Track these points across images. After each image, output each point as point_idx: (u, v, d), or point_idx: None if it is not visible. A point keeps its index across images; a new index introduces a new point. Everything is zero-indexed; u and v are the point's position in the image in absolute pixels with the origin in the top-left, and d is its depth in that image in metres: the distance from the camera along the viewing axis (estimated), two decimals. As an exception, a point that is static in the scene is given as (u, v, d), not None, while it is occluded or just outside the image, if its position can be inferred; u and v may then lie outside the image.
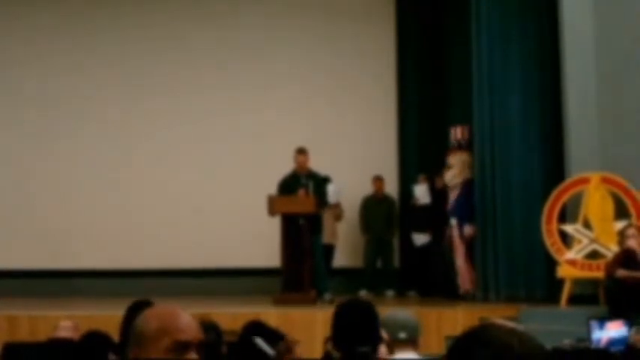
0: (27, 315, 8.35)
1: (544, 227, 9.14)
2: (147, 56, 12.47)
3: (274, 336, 4.53)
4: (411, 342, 4.44)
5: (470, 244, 10.20)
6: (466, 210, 10.22)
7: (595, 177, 9.06)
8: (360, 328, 3.95)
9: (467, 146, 10.36)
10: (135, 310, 5.19)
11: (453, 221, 10.40)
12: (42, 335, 6.26)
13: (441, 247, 10.99)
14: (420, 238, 11.66)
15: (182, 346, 2.34)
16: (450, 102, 11.97)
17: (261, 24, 12.57)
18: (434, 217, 11.34)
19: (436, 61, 12.38)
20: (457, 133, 10.52)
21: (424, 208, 11.61)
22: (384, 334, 4.31)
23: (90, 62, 12.34)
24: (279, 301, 9.36)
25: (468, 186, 10.24)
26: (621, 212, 8.93)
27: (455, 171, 10.49)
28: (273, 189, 9.94)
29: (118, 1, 12.57)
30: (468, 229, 10.19)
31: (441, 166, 11.02)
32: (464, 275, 10.31)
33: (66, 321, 5.92)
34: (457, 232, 10.33)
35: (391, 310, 4.69)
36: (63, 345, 5.17)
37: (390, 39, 12.84)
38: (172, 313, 2.49)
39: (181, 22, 12.53)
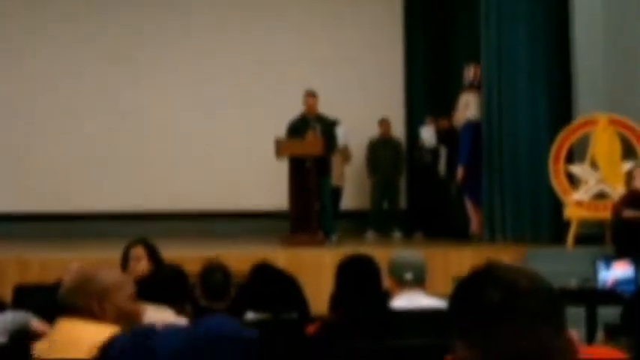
0: (37, 257, 8.41)
1: (551, 168, 9.14)
2: (153, 5, 12.40)
3: (283, 276, 4.56)
4: (418, 282, 4.47)
5: (470, 186, 10.16)
6: (463, 151, 10.18)
7: (603, 118, 9.03)
8: (362, 285, 4.01)
9: (478, 86, 10.27)
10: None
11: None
12: (52, 278, 6.30)
13: (448, 188, 11.01)
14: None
15: None
16: (458, 42, 11.89)
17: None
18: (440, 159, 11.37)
19: (444, 3, 12.27)
20: (470, 72, 10.40)
21: (431, 151, 11.60)
22: (387, 281, 4.35)
23: (100, 15, 12.27)
24: (287, 242, 9.42)
25: (467, 127, 10.17)
26: (629, 153, 8.92)
27: (459, 112, 10.44)
28: (281, 132, 9.93)
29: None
30: (459, 171, 10.18)
31: (448, 107, 10.98)
32: (471, 217, 10.34)
33: (75, 263, 5.95)
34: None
35: (398, 252, 4.71)
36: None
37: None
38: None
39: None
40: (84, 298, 2.90)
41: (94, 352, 2.73)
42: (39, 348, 2.92)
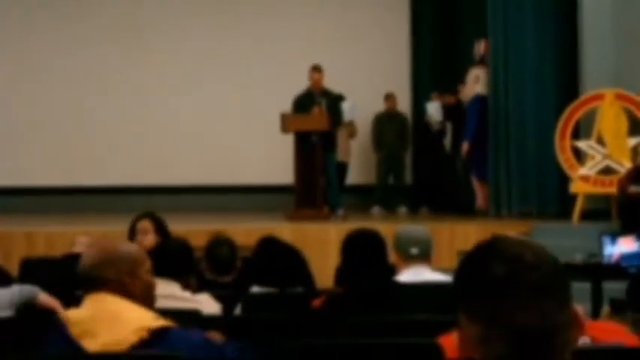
0: (44, 231, 8.45)
1: (557, 143, 9.12)
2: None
3: (288, 250, 4.58)
4: (424, 257, 4.49)
5: (476, 161, 10.15)
6: (469, 127, 10.16)
7: (609, 93, 9.00)
8: (368, 260, 4.03)
9: (486, 61, 10.21)
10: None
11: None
12: (58, 251, 6.33)
13: (455, 163, 11.00)
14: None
15: None
16: (465, 17, 11.82)
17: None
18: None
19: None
20: (481, 47, 10.33)
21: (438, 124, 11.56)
22: (393, 256, 4.37)
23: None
24: (293, 217, 9.43)
25: (475, 102, 10.15)
26: (635, 129, 8.89)
27: (467, 87, 10.41)
28: (287, 107, 9.92)
29: None
30: (464, 146, 10.17)
31: (455, 83, 10.95)
32: (477, 192, 10.34)
33: (82, 237, 5.98)
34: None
35: (403, 226, 4.73)
36: (79, 260, 5.24)
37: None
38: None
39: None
40: (115, 272, 2.86)
41: (143, 333, 2.71)
42: (74, 321, 2.85)
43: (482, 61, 10.24)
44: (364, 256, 4.05)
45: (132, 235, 5.17)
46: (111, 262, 2.88)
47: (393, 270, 4.28)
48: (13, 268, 5.66)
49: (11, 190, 11.57)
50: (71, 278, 3.17)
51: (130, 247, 3.08)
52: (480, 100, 10.07)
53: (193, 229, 7.35)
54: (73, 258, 5.25)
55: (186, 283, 4.11)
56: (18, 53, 12.03)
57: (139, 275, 2.90)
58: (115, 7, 12.22)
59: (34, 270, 5.53)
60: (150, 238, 5.05)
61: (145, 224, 5.16)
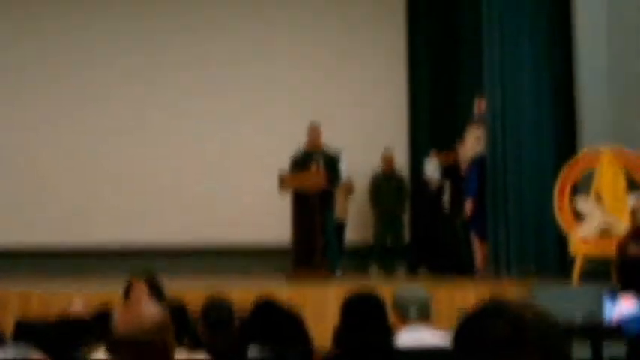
0: (39, 292, 8.38)
1: (556, 203, 9.10)
2: (157, 32, 12.44)
3: (286, 312, 4.53)
4: (423, 317, 4.45)
5: (475, 221, 10.14)
6: (471, 186, 10.17)
7: (607, 152, 9.00)
8: (367, 322, 3.99)
9: (484, 120, 10.27)
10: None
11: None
12: (54, 312, 6.27)
13: (453, 222, 10.97)
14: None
15: None
16: (462, 76, 11.91)
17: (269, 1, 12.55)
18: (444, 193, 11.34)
19: (447, 34, 12.30)
20: (478, 105, 10.40)
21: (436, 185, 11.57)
22: (391, 317, 4.33)
23: (102, 37, 12.32)
24: (291, 277, 9.38)
25: (477, 162, 10.17)
26: (634, 188, 8.88)
27: (467, 146, 10.44)
28: (284, 165, 9.93)
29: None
30: (467, 205, 10.16)
31: (452, 141, 10.98)
32: (476, 252, 10.30)
33: (77, 298, 5.93)
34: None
35: (402, 286, 4.69)
36: (74, 322, 5.18)
37: (401, 11, 12.76)
38: None
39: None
40: (164, 335, 2.85)
41: None
42: None
43: (482, 120, 10.29)
44: (363, 319, 4.01)
45: (127, 296, 5.13)
46: (160, 326, 2.88)
47: (391, 332, 4.24)
48: (8, 329, 5.59)
49: (6, 250, 11.52)
50: (66, 339, 3.12)
51: (156, 309, 3.05)
52: (480, 159, 10.09)
53: (190, 291, 7.28)
54: (69, 319, 5.20)
55: (180, 344, 4.05)
56: (16, 112, 12.09)
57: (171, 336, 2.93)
58: (102, 66, 12.29)
59: (29, 331, 5.47)
60: (143, 294, 5.00)
61: (140, 285, 5.12)
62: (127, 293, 5.16)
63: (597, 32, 9.36)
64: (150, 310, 2.93)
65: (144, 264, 9.27)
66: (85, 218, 11.88)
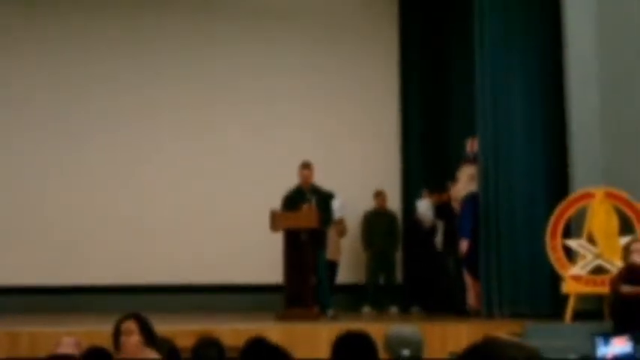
0: (27, 331, 8.30)
1: (548, 242, 9.10)
2: (151, 72, 12.45)
3: (277, 352, 4.48)
4: (415, 358, 4.40)
5: (468, 260, 10.12)
6: (465, 225, 10.16)
7: (599, 192, 9.03)
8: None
9: (476, 159, 10.28)
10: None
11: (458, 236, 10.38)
12: (43, 352, 6.21)
13: (446, 262, 10.94)
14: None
15: None
16: (455, 116, 11.95)
17: (262, 39, 12.58)
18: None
19: (440, 75, 12.37)
20: (470, 145, 10.44)
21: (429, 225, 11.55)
22: (383, 357, 4.29)
23: (97, 75, 12.33)
24: (282, 317, 9.31)
25: (470, 200, 10.17)
26: (626, 227, 8.89)
27: (460, 185, 10.45)
28: (276, 203, 9.91)
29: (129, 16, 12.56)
30: (463, 245, 10.14)
31: (445, 181, 11.00)
32: (469, 291, 10.27)
33: (67, 337, 5.87)
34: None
35: (394, 326, 4.65)
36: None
37: (393, 51, 12.84)
38: None
39: (186, 40, 12.53)
40: None
41: None
42: None
43: (474, 160, 10.32)
44: (354, 359, 3.97)
45: (116, 335, 5.08)
46: None
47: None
48: (-5, 370, 5.54)
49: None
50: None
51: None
52: (474, 198, 10.09)
53: (180, 330, 7.23)
54: (58, 359, 5.15)
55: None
56: (2, 148, 12.05)
57: None
58: (88, 106, 12.28)
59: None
60: (134, 339, 4.96)
61: (130, 325, 5.07)
62: (117, 332, 5.11)
63: (589, 74, 9.41)
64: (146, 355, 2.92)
65: (134, 302, 9.27)
66: (75, 257, 11.80)
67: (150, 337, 4.96)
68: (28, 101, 12.21)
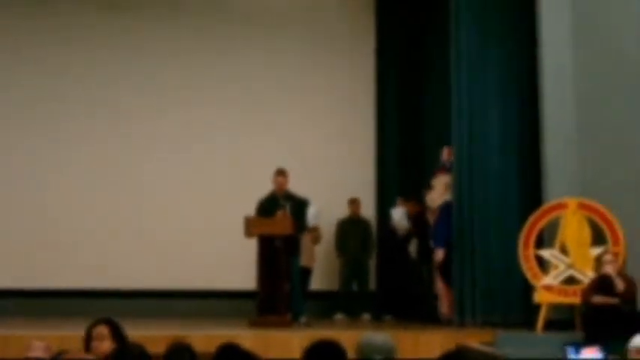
0: (-2, 335, 8.23)
1: (521, 252, 9.13)
2: (134, 81, 12.44)
3: (249, 359, 4.47)
4: (387, 366, 4.40)
5: (443, 268, 10.15)
6: (440, 233, 10.18)
7: (572, 202, 9.07)
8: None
9: (451, 168, 10.32)
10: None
11: (433, 245, 10.40)
12: (13, 355, 6.17)
13: (419, 270, 10.96)
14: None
15: None
16: (430, 125, 11.98)
17: (239, 48, 12.59)
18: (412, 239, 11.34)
19: (417, 84, 12.42)
20: (444, 153, 10.49)
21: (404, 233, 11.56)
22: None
23: (85, 85, 12.31)
24: (255, 323, 9.29)
25: (445, 209, 10.19)
26: (598, 238, 8.93)
27: (436, 193, 10.47)
28: (250, 210, 9.88)
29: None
30: (438, 254, 10.16)
31: (420, 189, 11.02)
32: (442, 299, 10.28)
33: (37, 341, 5.83)
34: (434, 256, 10.33)
35: (367, 334, 4.64)
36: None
37: (370, 62, 12.88)
38: None
39: (168, 51, 12.55)
40: None
41: None
42: None
43: (445, 169, 10.36)
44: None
45: (88, 341, 5.04)
46: None
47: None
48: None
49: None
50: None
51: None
52: (448, 207, 10.12)
53: (152, 336, 7.18)
54: (27, 363, 5.11)
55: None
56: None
57: None
58: (76, 113, 12.24)
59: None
60: (106, 345, 4.93)
61: (101, 330, 5.04)
62: (88, 337, 5.08)
63: (565, 84, 9.46)
64: None
65: (105, 307, 9.22)
66: (45, 262, 11.73)
67: (121, 343, 4.93)
68: (15, 109, 12.15)
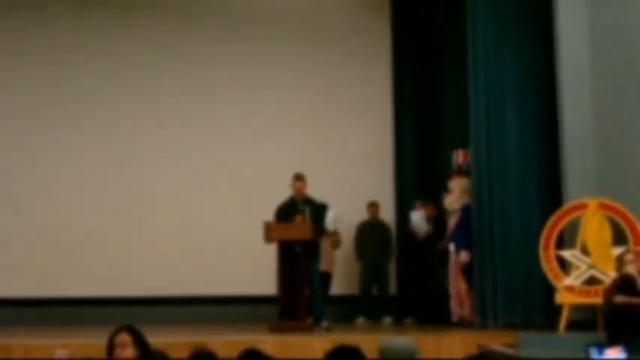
0: (21, 343, 8.26)
1: (542, 253, 9.10)
2: (141, 87, 12.45)
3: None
4: (409, 370, 4.39)
5: (466, 271, 10.15)
6: (463, 236, 10.18)
7: (593, 203, 9.04)
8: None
9: (467, 171, 10.32)
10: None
11: (452, 247, 10.39)
12: (36, 364, 6.19)
13: (439, 273, 10.93)
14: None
15: None
16: (447, 128, 11.95)
17: (256, 50, 12.59)
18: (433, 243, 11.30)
19: (433, 86, 12.39)
20: (458, 157, 10.49)
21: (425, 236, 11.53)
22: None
23: (83, 87, 12.32)
24: (276, 328, 9.29)
25: (466, 211, 10.19)
26: (619, 238, 8.89)
27: (454, 196, 10.47)
28: (269, 215, 9.89)
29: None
30: (463, 256, 10.15)
31: (438, 192, 11.00)
32: (464, 302, 10.26)
33: (60, 349, 5.85)
34: (455, 258, 10.31)
35: (388, 338, 4.64)
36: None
37: (386, 64, 12.88)
38: None
39: (176, 54, 12.56)
40: None
41: None
42: None
43: (460, 172, 10.38)
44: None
45: (110, 348, 5.06)
46: None
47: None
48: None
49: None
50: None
51: None
52: (468, 210, 10.12)
53: (173, 342, 7.20)
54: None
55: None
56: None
57: None
58: (81, 120, 12.25)
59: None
60: (128, 352, 4.93)
61: (124, 337, 5.05)
62: (111, 345, 5.09)
63: (582, 85, 9.44)
64: None
65: (127, 314, 9.23)
66: (68, 270, 11.75)
67: (144, 350, 4.94)
68: (12, 115, 12.17)
